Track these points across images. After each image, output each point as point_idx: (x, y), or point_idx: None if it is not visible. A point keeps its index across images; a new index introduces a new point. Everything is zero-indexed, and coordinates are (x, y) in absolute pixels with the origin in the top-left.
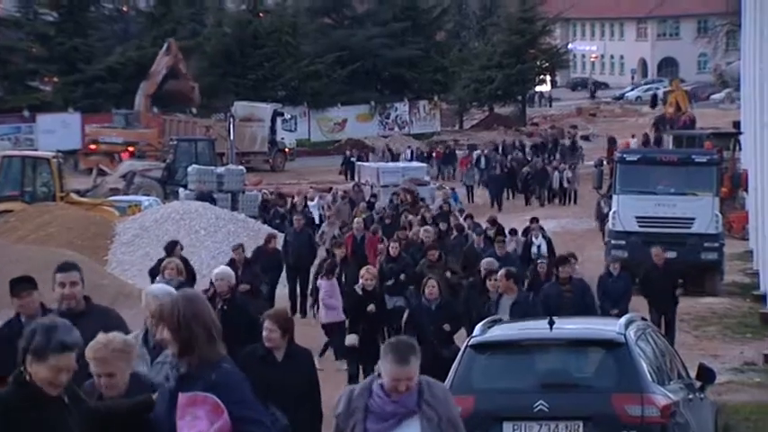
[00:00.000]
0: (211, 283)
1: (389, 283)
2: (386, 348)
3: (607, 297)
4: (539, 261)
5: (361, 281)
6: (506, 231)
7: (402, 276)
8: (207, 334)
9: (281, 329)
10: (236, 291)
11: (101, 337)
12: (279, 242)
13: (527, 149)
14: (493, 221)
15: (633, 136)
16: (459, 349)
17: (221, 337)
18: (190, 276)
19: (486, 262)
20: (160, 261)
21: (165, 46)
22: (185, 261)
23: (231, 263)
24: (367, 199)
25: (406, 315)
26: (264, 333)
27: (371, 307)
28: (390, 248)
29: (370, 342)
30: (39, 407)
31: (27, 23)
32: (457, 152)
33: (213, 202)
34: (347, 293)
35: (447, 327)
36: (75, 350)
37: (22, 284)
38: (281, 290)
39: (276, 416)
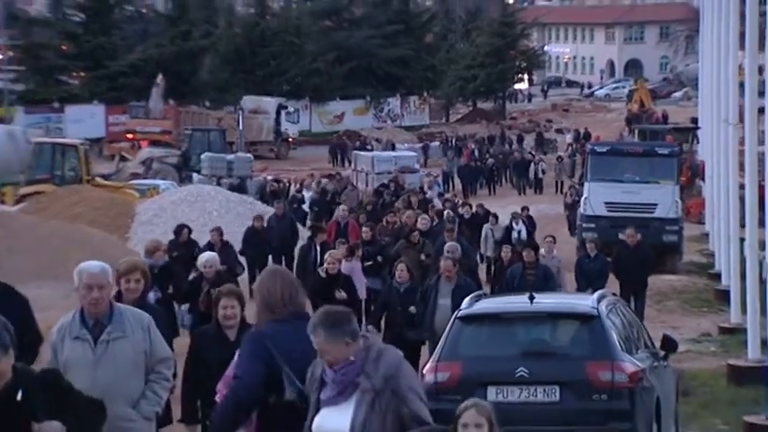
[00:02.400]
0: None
1: (366, 264)
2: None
3: (584, 277)
4: (503, 247)
5: (325, 264)
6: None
7: (379, 258)
8: None
9: (240, 305)
10: (221, 273)
11: None
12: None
13: (514, 143)
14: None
15: (621, 134)
16: (423, 332)
17: None
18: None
19: (450, 245)
20: (170, 242)
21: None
22: (192, 242)
23: (209, 245)
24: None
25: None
26: (222, 311)
27: (342, 294)
28: (363, 233)
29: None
30: None
31: (57, 23)
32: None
33: (244, 191)
34: (313, 277)
35: (413, 309)
36: None
37: None
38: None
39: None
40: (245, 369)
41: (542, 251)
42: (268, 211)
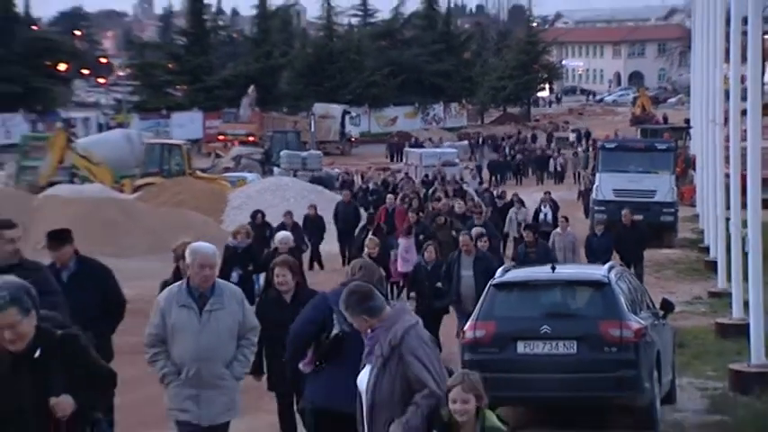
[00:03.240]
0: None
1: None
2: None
3: (592, 252)
4: (525, 230)
5: (366, 250)
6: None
7: (421, 237)
8: None
9: (291, 272)
10: (293, 249)
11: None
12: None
13: (537, 140)
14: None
15: (616, 132)
16: (450, 301)
17: None
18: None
19: (475, 230)
20: (248, 225)
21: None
22: (266, 224)
23: (282, 226)
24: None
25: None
26: (276, 279)
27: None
28: (410, 217)
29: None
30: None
31: (165, 46)
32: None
33: (325, 185)
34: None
35: (439, 285)
36: (6, 309)
37: (58, 238)
38: (324, 247)
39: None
40: (300, 318)
41: (558, 229)
42: (336, 198)
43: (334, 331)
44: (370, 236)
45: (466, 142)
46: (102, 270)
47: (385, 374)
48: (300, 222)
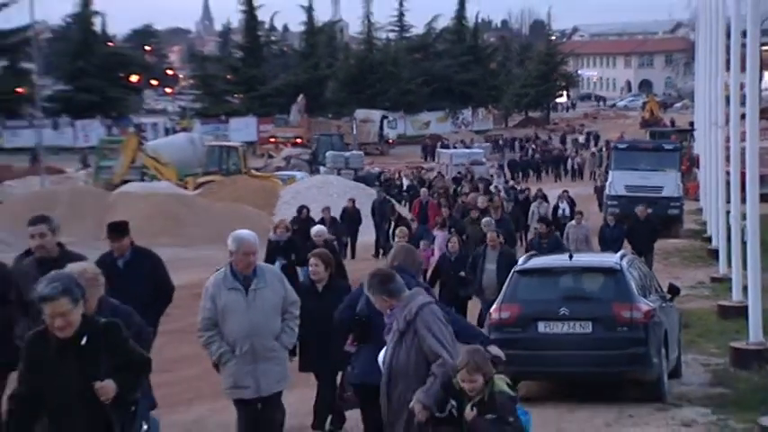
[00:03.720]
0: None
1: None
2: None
3: (604, 242)
4: (540, 223)
5: (396, 239)
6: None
7: (452, 230)
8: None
9: (324, 264)
10: (328, 241)
11: (75, 266)
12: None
13: (554, 141)
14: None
15: (622, 134)
16: (473, 291)
17: None
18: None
19: (484, 220)
20: (293, 219)
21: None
22: (310, 219)
23: (321, 220)
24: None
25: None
26: (309, 269)
27: None
28: (443, 211)
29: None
30: (48, 346)
31: (224, 59)
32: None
33: (366, 182)
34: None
35: (462, 273)
36: (58, 299)
37: (117, 230)
38: (361, 238)
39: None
40: (342, 304)
41: (574, 222)
42: (374, 193)
43: (358, 311)
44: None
45: (490, 144)
46: (153, 259)
47: (401, 347)
48: (339, 215)
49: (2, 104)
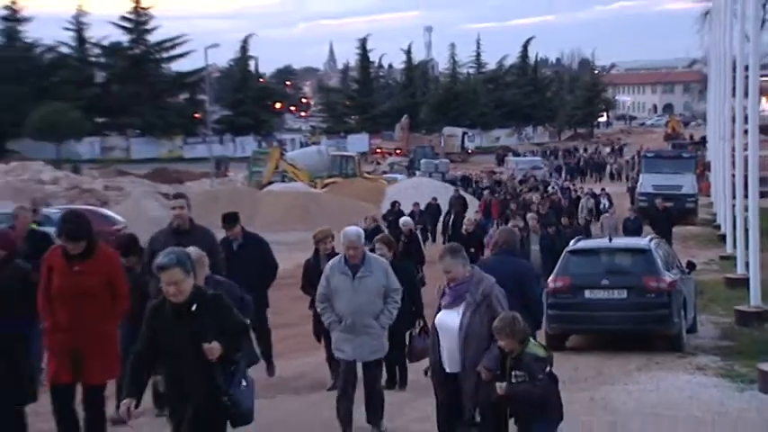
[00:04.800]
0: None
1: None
2: (441, 250)
3: (627, 230)
4: (580, 215)
5: (464, 226)
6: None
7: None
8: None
9: (387, 247)
10: (412, 230)
11: (188, 249)
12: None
13: (600, 151)
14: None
15: (642, 146)
16: None
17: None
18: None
19: (529, 216)
20: (387, 212)
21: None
22: (401, 212)
23: (411, 213)
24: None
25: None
26: (377, 251)
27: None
28: (511, 207)
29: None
30: (165, 312)
31: (343, 90)
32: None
33: (451, 183)
34: (460, 234)
35: None
36: (172, 269)
37: (230, 219)
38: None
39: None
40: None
41: (607, 214)
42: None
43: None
44: (467, 217)
45: (547, 152)
46: (261, 242)
47: (476, 315)
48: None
49: (184, 126)
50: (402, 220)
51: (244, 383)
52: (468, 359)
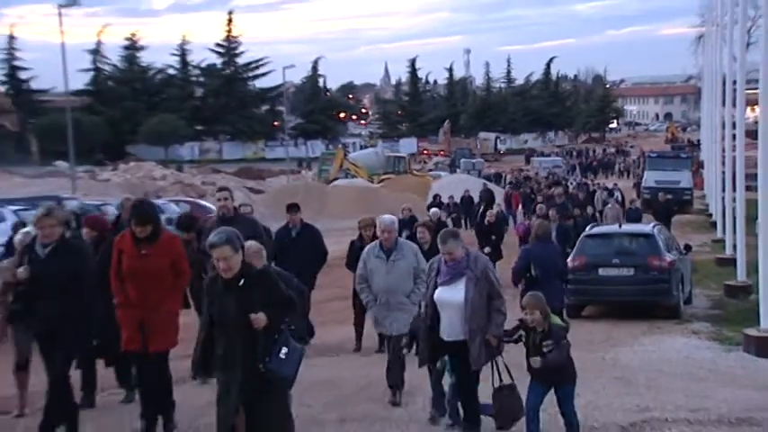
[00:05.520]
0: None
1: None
2: (442, 234)
3: (629, 218)
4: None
5: (487, 217)
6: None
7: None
8: None
9: (428, 230)
10: (441, 219)
11: (247, 242)
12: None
13: (607, 152)
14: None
15: (642, 149)
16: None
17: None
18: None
19: (539, 207)
20: (430, 204)
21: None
22: (441, 203)
23: (447, 205)
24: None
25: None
26: (418, 235)
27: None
28: (539, 198)
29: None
30: (217, 286)
31: (397, 102)
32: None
33: (488, 179)
34: (481, 225)
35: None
36: (222, 246)
37: (293, 208)
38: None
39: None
40: (516, 263)
41: (610, 205)
42: (493, 187)
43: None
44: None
45: (566, 153)
46: (315, 231)
47: (477, 288)
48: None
49: (265, 132)
50: (432, 210)
51: (285, 351)
52: (473, 328)
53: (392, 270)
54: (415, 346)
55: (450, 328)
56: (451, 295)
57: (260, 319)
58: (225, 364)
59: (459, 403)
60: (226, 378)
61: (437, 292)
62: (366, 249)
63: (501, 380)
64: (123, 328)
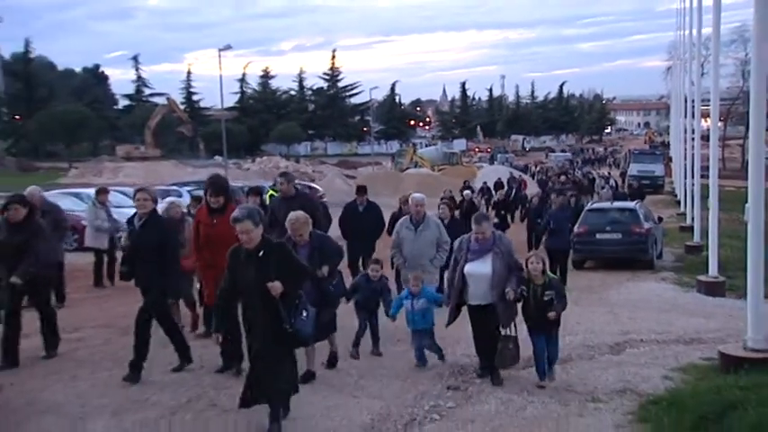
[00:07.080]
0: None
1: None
2: (476, 216)
3: (616, 198)
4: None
5: (495, 196)
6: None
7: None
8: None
9: (447, 207)
10: (474, 200)
11: (292, 214)
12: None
13: (602, 152)
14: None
15: (629, 149)
16: (545, 228)
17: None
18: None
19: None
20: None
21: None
22: (471, 188)
23: (481, 189)
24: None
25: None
26: (439, 210)
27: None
28: (551, 184)
29: (501, 220)
30: (240, 255)
31: (451, 113)
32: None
33: (517, 169)
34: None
35: (539, 220)
36: (244, 221)
37: (361, 189)
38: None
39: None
40: (544, 221)
41: (603, 190)
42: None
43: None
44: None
45: (573, 150)
46: (377, 208)
47: (502, 261)
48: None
49: (357, 135)
50: (465, 192)
51: (305, 314)
52: (498, 292)
53: (418, 239)
54: (353, 301)
55: (478, 295)
56: (481, 268)
57: (276, 287)
58: (249, 327)
59: (476, 352)
60: (251, 340)
61: (468, 266)
62: (400, 222)
63: (508, 331)
64: (205, 286)
